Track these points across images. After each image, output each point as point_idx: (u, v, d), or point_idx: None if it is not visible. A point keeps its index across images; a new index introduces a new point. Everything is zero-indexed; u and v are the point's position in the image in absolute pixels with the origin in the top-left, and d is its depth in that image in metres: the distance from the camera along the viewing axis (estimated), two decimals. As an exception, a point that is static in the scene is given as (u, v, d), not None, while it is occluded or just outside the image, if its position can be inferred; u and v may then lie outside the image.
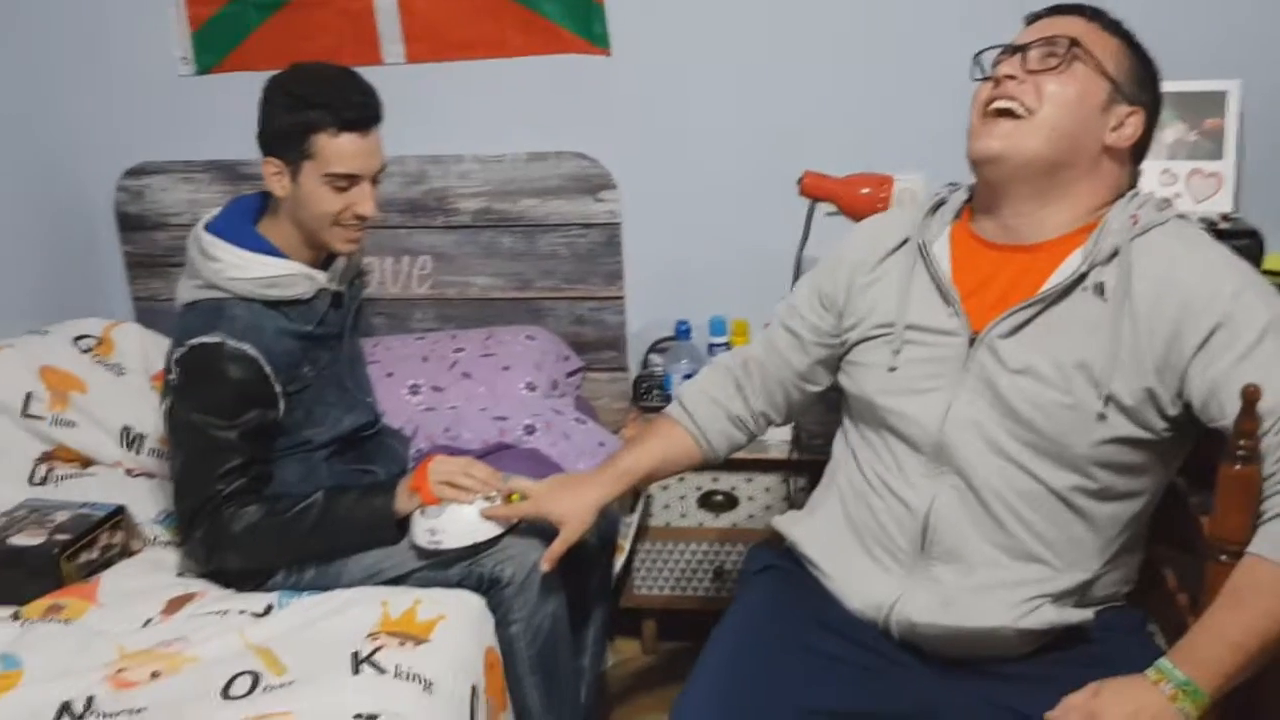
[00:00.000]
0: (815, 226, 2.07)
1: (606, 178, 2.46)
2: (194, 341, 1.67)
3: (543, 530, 1.71)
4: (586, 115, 2.48)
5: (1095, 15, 1.37)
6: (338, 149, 1.68)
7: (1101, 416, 1.29)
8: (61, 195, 2.62)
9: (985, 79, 1.38)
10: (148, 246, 2.67)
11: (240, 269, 1.71)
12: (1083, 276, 1.32)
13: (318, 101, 1.67)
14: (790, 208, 2.09)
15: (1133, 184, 1.41)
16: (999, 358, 1.34)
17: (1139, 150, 1.39)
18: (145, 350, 2.29)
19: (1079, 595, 1.37)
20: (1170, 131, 2.08)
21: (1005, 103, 1.33)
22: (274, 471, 1.77)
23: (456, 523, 1.69)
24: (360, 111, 1.69)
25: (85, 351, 2.25)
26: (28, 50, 2.53)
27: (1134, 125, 1.35)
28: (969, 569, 1.36)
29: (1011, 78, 1.34)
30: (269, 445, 1.76)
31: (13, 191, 2.47)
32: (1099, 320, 1.30)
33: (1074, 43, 1.32)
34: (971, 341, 1.37)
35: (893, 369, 1.42)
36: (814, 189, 2.05)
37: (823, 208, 2.07)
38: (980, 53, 1.40)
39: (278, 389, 1.71)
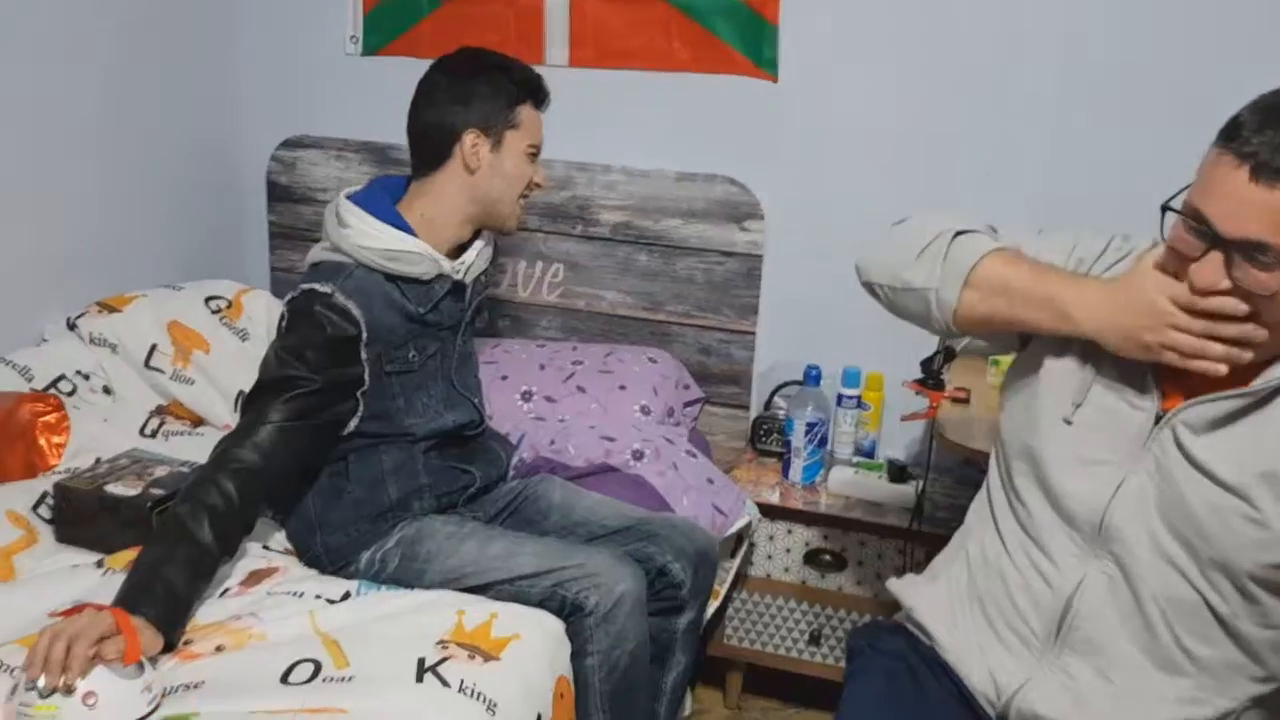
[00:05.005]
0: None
1: (755, 207, 2.37)
2: (306, 285, 1.68)
3: (637, 559, 1.64)
4: (743, 141, 2.40)
5: None
6: (537, 121, 1.84)
7: None
8: (218, 157, 2.66)
9: (1182, 258, 1.16)
10: (291, 218, 2.70)
11: (367, 237, 1.72)
12: None
13: (522, 79, 1.82)
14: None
15: None
16: (1182, 446, 1.20)
17: None
18: (272, 318, 2.27)
19: None
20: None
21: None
22: (371, 456, 1.74)
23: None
24: (547, 92, 1.86)
25: (215, 312, 2.28)
26: (209, 11, 2.58)
27: None
28: (1107, 666, 1.24)
29: (1219, 291, 1.13)
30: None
31: (175, 147, 2.51)
32: None
33: None
34: (1158, 419, 1.23)
35: (1068, 421, 1.28)
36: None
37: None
38: (1168, 208, 1.18)
39: (363, 355, 1.68)
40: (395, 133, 2.46)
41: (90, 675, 1.31)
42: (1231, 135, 1.09)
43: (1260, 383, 1.17)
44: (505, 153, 1.80)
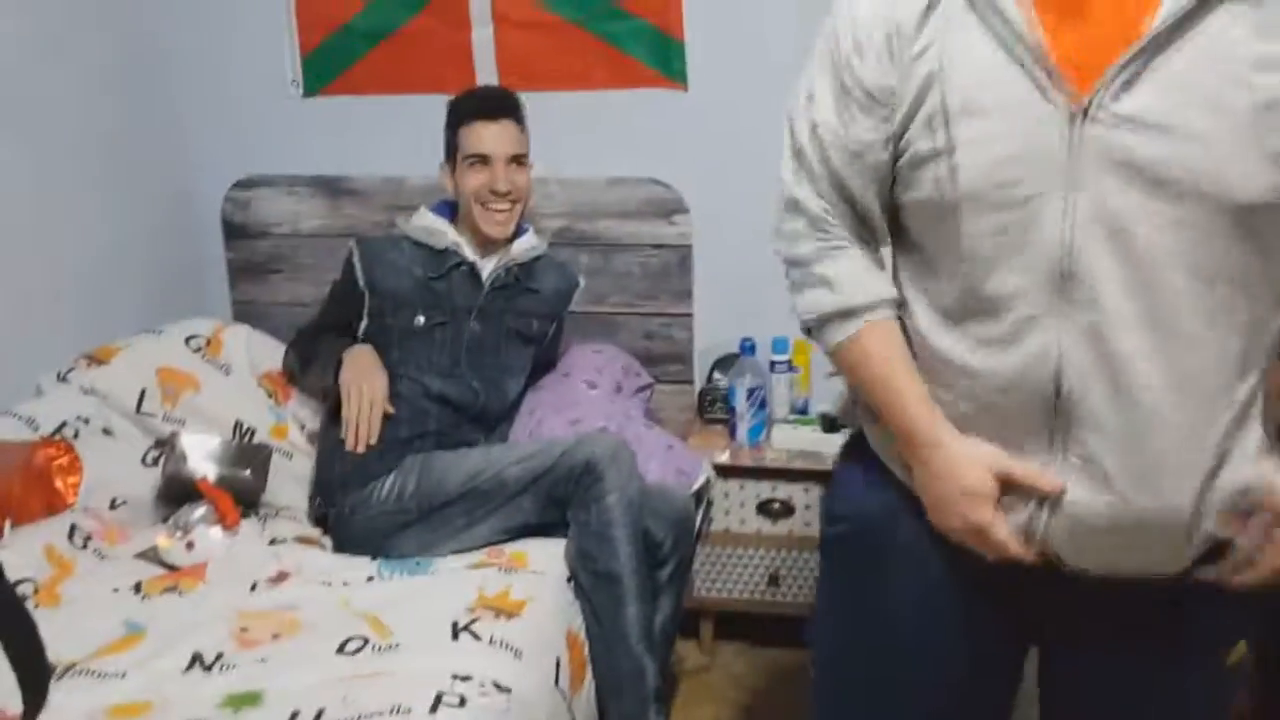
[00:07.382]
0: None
1: (680, 203, 2.63)
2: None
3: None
4: (663, 145, 2.64)
5: None
6: (471, 134, 2.18)
7: None
8: (174, 203, 2.81)
9: None
10: (249, 253, 2.85)
11: (420, 216, 2.27)
12: None
13: (459, 105, 2.23)
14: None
15: None
16: (1127, 119, 0.96)
17: None
18: (251, 350, 2.43)
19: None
20: None
21: None
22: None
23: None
24: (485, 103, 2.21)
25: (196, 351, 2.37)
26: (155, 66, 2.73)
27: None
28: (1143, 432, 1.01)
29: None
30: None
31: (131, 198, 2.66)
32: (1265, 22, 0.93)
33: None
34: (1080, 115, 0.97)
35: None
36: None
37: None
38: None
39: (366, 302, 2.23)
40: (344, 166, 2.70)
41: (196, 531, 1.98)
42: None
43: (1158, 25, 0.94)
44: (458, 173, 2.20)
